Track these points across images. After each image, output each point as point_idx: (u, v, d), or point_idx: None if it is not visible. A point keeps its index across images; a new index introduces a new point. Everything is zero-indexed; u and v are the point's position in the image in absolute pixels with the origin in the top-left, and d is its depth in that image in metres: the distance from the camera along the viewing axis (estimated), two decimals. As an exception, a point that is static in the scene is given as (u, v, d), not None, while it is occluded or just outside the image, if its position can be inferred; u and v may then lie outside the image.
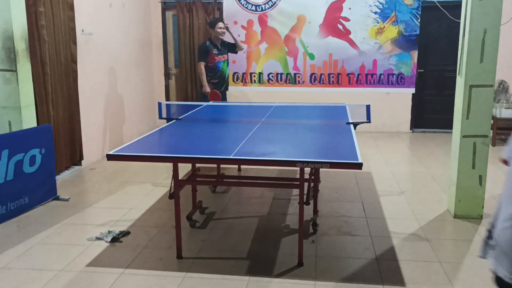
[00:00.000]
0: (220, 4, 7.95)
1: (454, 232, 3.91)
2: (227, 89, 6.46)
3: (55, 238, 3.73)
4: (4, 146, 4.00)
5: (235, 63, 8.08)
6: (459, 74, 4.02)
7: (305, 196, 3.29)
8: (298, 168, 2.99)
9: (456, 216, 4.11)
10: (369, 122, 4.19)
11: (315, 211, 4.00)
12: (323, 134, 3.99)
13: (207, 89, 6.10)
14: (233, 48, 6.45)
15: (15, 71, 4.35)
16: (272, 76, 8.09)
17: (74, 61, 5.48)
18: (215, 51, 6.14)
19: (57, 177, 5.05)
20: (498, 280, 1.65)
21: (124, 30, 7.01)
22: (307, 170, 4.09)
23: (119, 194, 4.85)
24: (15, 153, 4.10)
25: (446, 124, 7.66)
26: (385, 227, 3.93)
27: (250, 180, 4.41)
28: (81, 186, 5.17)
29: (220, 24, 6.17)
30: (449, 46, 7.79)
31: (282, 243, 3.63)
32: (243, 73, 8.16)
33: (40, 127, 4.51)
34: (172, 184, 3.37)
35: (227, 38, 6.40)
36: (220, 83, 6.26)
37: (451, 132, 4.30)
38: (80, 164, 5.80)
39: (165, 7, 8.24)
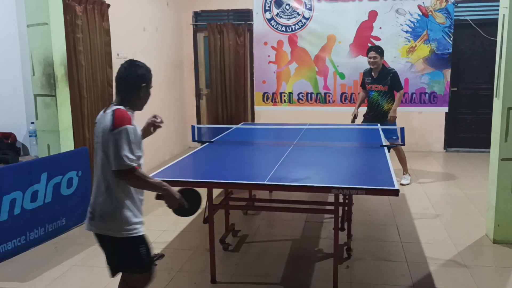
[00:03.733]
0: (251, 25, 8.05)
1: (494, 259, 3.79)
2: (381, 121, 5.79)
3: (91, 260, 3.79)
4: (43, 169, 4.12)
5: (265, 83, 8.14)
6: (496, 96, 3.94)
7: (339, 221, 3.26)
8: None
9: (495, 242, 3.99)
10: (404, 145, 4.14)
11: (349, 235, 3.95)
12: (357, 157, 3.96)
13: (354, 111, 6.10)
14: (395, 86, 5.84)
15: (54, 95, 4.49)
16: (302, 96, 8.11)
17: (109, 84, 5.62)
18: (367, 79, 5.94)
19: (93, 198, 5.15)
20: None
21: (157, 53, 7.17)
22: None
23: (152, 215, 4.90)
24: (53, 176, 4.22)
25: (481, 143, 7.49)
26: (421, 252, 3.84)
27: (283, 204, 4.39)
28: (115, 207, 5.25)
29: (370, 54, 5.79)
30: (483, 64, 7.65)
31: (315, 268, 3.59)
32: (273, 93, 8.20)
33: (77, 150, 4.63)
34: (206, 208, 3.39)
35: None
36: (371, 111, 5.99)
37: (487, 152, 4.20)
38: (114, 185, 5.90)
39: (196, 29, 8.40)
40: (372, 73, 5.89)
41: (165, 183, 2.46)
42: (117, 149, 2.27)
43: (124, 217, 2.36)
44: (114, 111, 2.35)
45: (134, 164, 2.30)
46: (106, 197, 2.37)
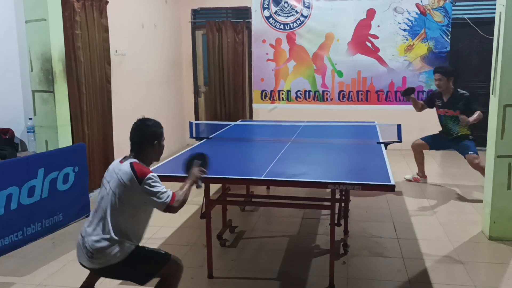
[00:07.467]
0: (249, 23, 8.06)
1: (490, 255, 3.81)
2: (458, 143, 5.48)
3: (88, 256, 3.79)
4: (40, 165, 4.12)
5: (263, 81, 8.15)
6: (492, 94, 3.96)
7: (336, 217, 3.27)
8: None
9: (491, 238, 4.01)
10: (400, 141, 4.16)
11: (346, 231, 3.96)
12: (354, 154, 3.97)
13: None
14: (471, 110, 5.22)
15: (53, 91, 4.50)
16: (300, 94, 8.12)
17: (108, 81, 5.63)
18: (437, 102, 5.52)
19: (91, 194, 5.16)
20: None
21: (155, 50, 7.17)
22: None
23: (150, 211, 4.91)
24: (50, 171, 4.22)
25: (478, 141, 7.49)
26: (417, 249, 3.86)
27: (280, 200, 4.40)
28: (113, 203, 5.26)
29: (435, 76, 5.45)
30: (480, 63, 7.68)
31: (312, 263, 3.61)
32: (271, 91, 8.21)
33: (74, 146, 4.64)
34: (204, 204, 3.40)
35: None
36: (445, 135, 5.60)
37: (484, 150, 4.22)
38: (112, 181, 5.90)
39: (195, 27, 8.41)
40: (443, 97, 5.46)
41: (189, 182, 2.75)
42: (154, 196, 2.49)
43: (122, 250, 2.50)
44: (131, 164, 2.51)
45: (169, 199, 2.52)
46: (108, 239, 2.47)
